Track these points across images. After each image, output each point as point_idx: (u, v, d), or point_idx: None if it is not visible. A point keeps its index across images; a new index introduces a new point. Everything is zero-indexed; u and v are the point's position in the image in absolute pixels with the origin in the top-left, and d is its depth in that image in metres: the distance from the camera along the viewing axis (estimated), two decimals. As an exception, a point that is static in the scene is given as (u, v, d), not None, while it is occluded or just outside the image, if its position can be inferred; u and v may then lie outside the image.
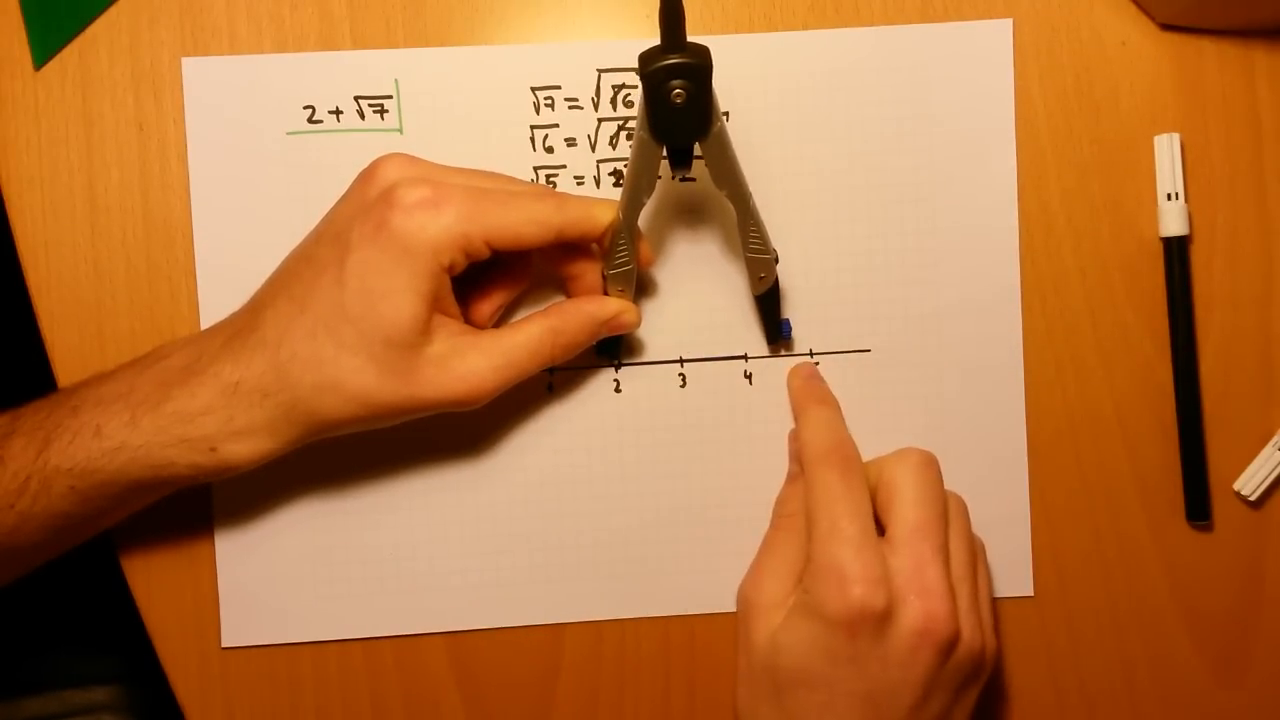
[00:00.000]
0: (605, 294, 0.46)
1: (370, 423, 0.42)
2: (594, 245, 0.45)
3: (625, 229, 0.44)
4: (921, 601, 0.41)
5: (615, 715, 0.49)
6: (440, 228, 0.40)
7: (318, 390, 0.41)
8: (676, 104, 0.40)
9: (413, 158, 0.43)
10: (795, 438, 0.47)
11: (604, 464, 0.48)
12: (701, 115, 0.40)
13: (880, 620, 0.40)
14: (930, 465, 0.44)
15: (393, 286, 0.40)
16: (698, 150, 0.42)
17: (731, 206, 0.44)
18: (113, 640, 0.66)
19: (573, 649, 0.49)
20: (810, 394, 0.47)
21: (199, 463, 0.41)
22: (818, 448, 0.44)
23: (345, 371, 0.41)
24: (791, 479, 0.48)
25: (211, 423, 0.41)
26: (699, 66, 0.39)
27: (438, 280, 0.41)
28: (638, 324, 0.47)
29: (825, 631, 0.40)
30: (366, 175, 0.43)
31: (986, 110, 0.48)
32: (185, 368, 0.41)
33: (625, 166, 0.48)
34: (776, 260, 0.46)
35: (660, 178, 0.43)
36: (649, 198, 0.43)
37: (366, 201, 0.42)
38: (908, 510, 0.43)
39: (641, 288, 0.48)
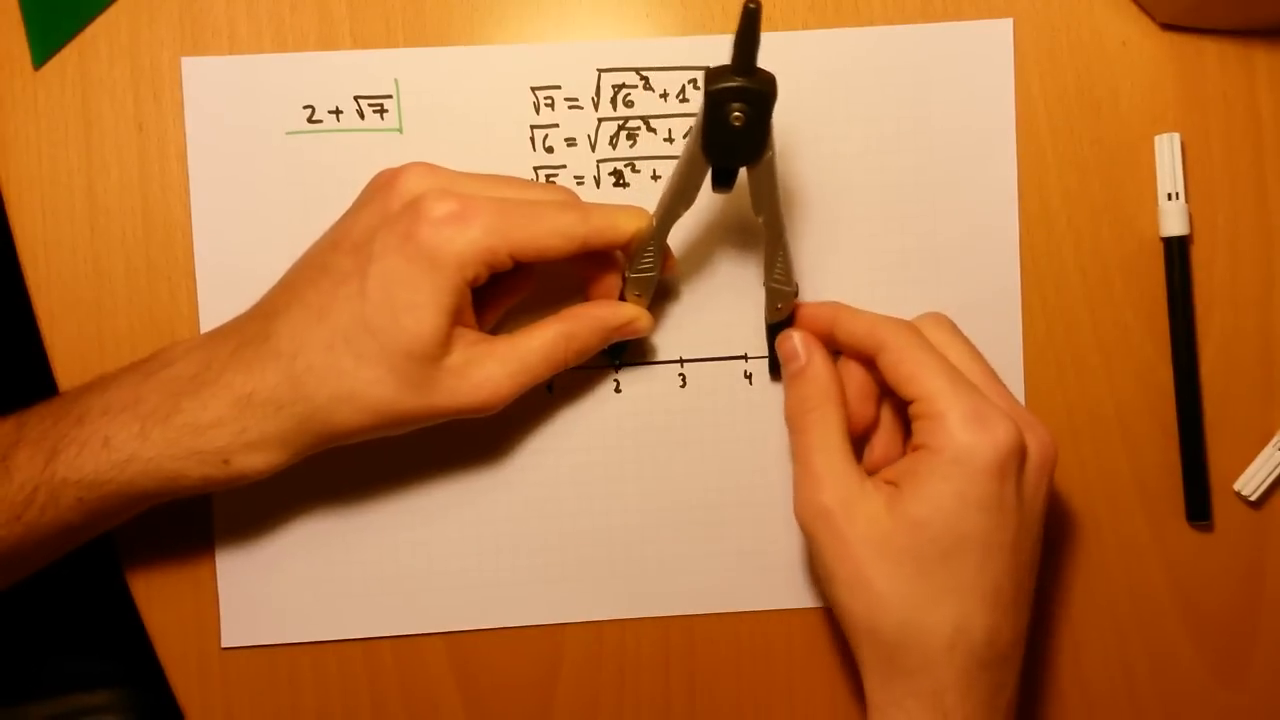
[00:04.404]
0: (623, 296, 0.46)
1: (384, 431, 0.42)
2: (617, 251, 0.45)
3: (655, 237, 0.44)
4: (1035, 432, 0.42)
5: (615, 715, 0.49)
6: (467, 241, 0.40)
7: (335, 402, 0.40)
8: (734, 126, 0.39)
9: (434, 167, 0.43)
10: (811, 329, 0.46)
11: (604, 464, 0.48)
12: (757, 141, 0.40)
13: (1023, 456, 0.41)
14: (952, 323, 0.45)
15: (417, 300, 0.40)
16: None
17: (759, 231, 0.43)
18: (113, 643, 0.66)
19: (573, 649, 0.49)
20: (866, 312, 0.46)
21: (211, 474, 0.41)
22: (899, 321, 0.44)
23: (364, 384, 0.40)
24: (796, 376, 0.45)
25: (224, 435, 0.40)
26: (763, 94, 0.39)
27: (461, 293, 0.41)
28: (651, 330, 0.46)
29: (974, 483, 0.40)
30: (387, 184, 0.42)
31: (987, 110, 0.48)
32: (194, 377, 0.41)
33: (626, 163, 0.48)
34: (796, 294, 0.46)
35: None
36: (686, 211, 0.43)
37: (389, 212, 0.41)
38: (971, 362, 0.43)
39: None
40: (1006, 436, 0.40)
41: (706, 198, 0.42)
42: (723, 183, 0.42)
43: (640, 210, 0.44)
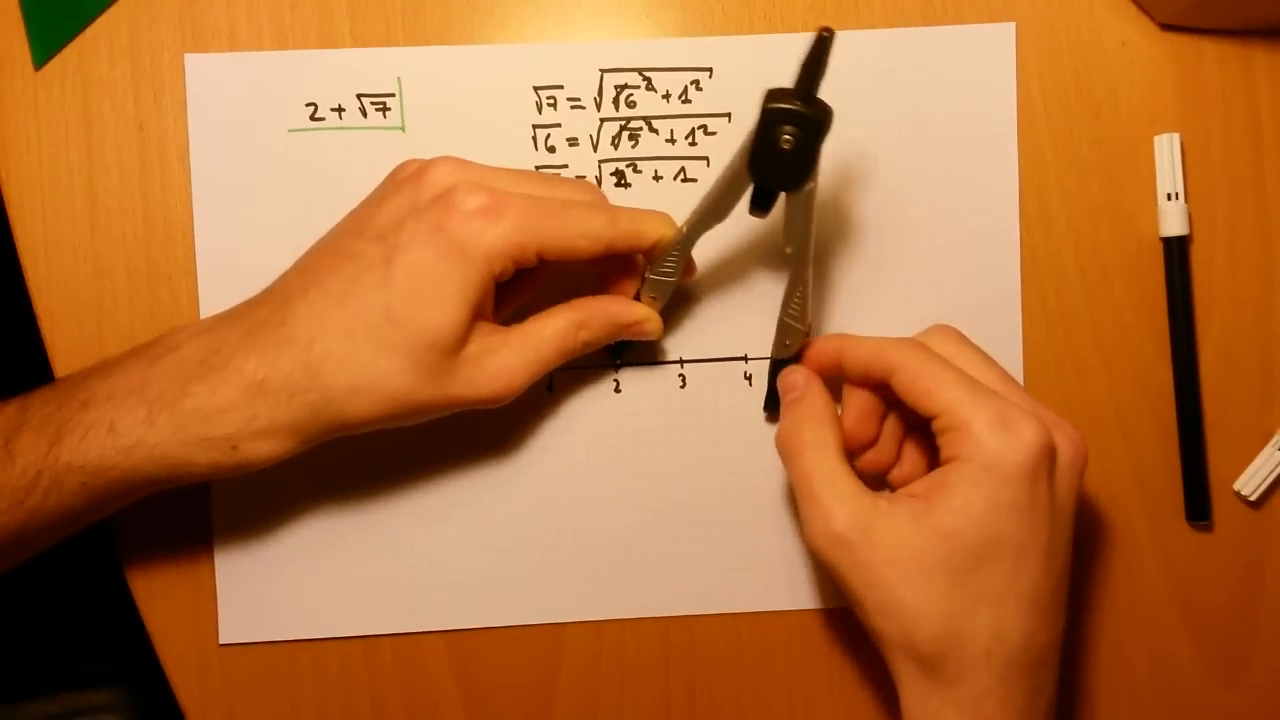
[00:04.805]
0: (638, 296, 0.45)
1: (397, 421, 0.42)
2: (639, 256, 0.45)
3: (681, 244, 0.44)
4: (1063, 430, 0.41)
5: (615, 715, 0.49)
6: (497, 235, 0.40)
7: (351, 391, 0.40)
8: (783, 149, 0.40)
9: (463, 161, 0.42)
10: (814, 363, 0.46)
11: (604, 464, 0.48)
12: (802, 169, 0.41)
13: (1053, 455, 0.40)
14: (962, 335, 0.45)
15: (443, 292, 0.40)
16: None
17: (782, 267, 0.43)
18: (113, 642, 0.66)
19: (573, 649, 0.49)
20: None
21: (219, 461, 0.40)
22: (906, 340, 0.44)
23: (383, 374, 0.40)
24: (792, 405, 0.45)
25: (233, 421, 0.39)
26: (818, 121, 0.39)
27: (486, 287, 0.41)
28: (658, 335, 0.46)
29: (1006, 487, 0.39)
30: (415, 175, 0.42)
31: (988, 112, 0.48)
32: (202, 361, 0.40)
33: (628, 163, 0.48)
34: (807, 334, 0.45)
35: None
36: (718, 225, 0.43)
37: (419, 202, 0.41)
38: (987, 368, 0.43)
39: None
40: (1035, 437, 0.39)
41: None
42: (761, 205, 0.43)
43: (666, 217, 0.44)
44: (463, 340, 0.41)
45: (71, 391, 0.40)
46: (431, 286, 0.40)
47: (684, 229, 0.43)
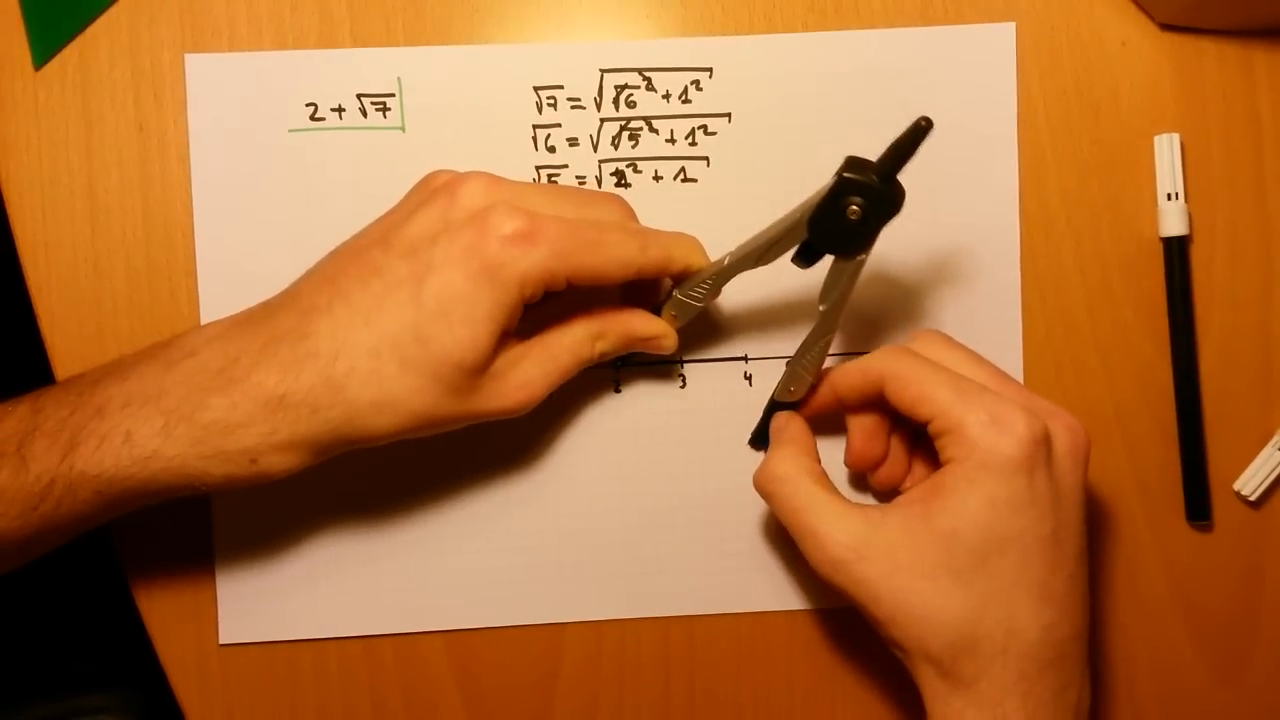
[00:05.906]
0: (659, 310, 0.45)
1: (417, 434, 0.41)
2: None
3: (718, 276, 0.44)
4: (1059, 419, 0.41)
5: (615, 715, 0.49)
6: (531, 262, 0.40)
7: (374, 408, 0.40)
8: (848, 218, 0.40)
9: (496, 178, 0.42)
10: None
11: (604, 464, 0.48)
12: (860, 240, 0.41)
13: (1048, 445, 0.40)
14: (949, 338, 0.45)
15: (474, 314, 0.39)
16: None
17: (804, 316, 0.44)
18: (113, 643, 0.66)
19: (573, 649, 0.49)
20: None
21: (235, 473, 0.40)
22: (893, 349, 0.44)
23: (407, 391, 0.40)
24: (771, 444, 0.46)
25: (252, 435, 0.39)
26: (889, 202, 0.40)
27: (516, 310, 0.41)
28: (672, 352, 0.46)
29: (1002, 483, 0.39)
30: (447, 190, 0.41)
31: (988, 113, 0.48)
32: (221, 371, 0.39)
33: (628, 163, 0.48)
34: (813, 387, 0.46)
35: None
36: (761, 266, 0.43)
37: (452, 220, 0.40)
38: (977, 367, 0.43)
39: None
40: (1026, 430, 0.39)
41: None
42: (806, 259, 0.43)
43: (695, 243, 0.44)
44: (489, 360, 0.41)
45: (85, 396, 0.39)
46: (462, 309, 0.39)
47: (725, 261, 0.43)
